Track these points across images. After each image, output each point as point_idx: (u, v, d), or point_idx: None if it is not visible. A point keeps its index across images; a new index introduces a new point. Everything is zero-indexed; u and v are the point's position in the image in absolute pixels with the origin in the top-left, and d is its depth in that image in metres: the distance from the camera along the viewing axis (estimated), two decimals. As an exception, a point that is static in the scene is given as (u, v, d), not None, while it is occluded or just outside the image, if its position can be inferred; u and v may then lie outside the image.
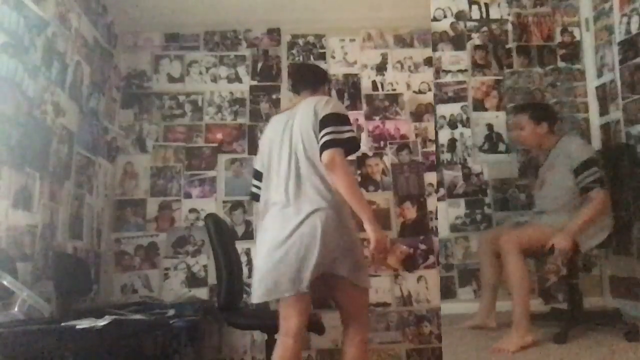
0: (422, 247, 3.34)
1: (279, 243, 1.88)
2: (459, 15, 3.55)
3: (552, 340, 2.45)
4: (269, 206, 2.01)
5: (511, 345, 2.35)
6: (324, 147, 1.90)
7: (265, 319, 2.70)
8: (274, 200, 1.98)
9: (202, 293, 3.14)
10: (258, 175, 2.18)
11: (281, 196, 1.94)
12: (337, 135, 1.91)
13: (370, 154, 3.45)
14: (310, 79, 2.24)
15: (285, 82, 3.51)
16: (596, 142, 3.26)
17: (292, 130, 2.01)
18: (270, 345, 2.48)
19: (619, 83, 3.08)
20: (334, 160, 1.87)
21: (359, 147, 2.04)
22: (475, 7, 3.56)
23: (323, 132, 1.92)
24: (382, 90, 3.55)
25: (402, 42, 3.62)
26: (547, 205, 2.69)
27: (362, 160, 3.43)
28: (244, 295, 3.03)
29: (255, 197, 2.21)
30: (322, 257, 1.84)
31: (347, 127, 1.96)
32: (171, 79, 3.49)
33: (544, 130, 2.72)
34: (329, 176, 1.92)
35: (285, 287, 1.86)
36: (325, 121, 1.94)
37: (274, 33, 3.59)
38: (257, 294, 1.93)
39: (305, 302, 1.92)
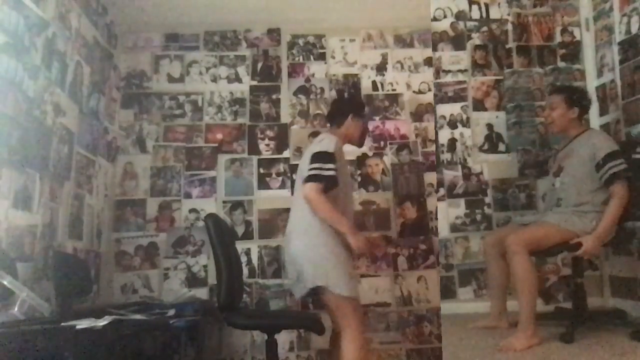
0: (422, 247, 3.34)
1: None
2: (459, 15, 3.55)
3: (557, 339, 2.45)
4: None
5: (518, 344, 2.35)
6: (305, 180, 2.26)
7: (265, 319, 2.70)
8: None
9: (202, 293, 3.14)
10: None
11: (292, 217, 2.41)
12: (318, 171, 2.24)
13: (370, 154, 3.44)
14: (334, 115, 2.57)
15: (285, 82, 3.51)
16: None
17: (301, 162, 2.42)
18: (270, 345, 2.48)
19: (619, 83, 3.08)
20: (309, 192, 2.22)
21: (337, 184, 2.29)
22: (475, 7, 3.56)
23: (309, 167, 2.27)
24: (382, 90, 3.54)
25: (402, 42, 3.61)
26: (566, 195, 2.66)
27: (362, 160, 3.43)
28: (244, 295, 3.04)
29: None
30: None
31: (330, 165, 2.26)
32: (171, 79, 3.48)
33: (574, 115, 2.69)
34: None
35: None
36: (313, 158, 2.29)
37: (274, 33, 3.59)
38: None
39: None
